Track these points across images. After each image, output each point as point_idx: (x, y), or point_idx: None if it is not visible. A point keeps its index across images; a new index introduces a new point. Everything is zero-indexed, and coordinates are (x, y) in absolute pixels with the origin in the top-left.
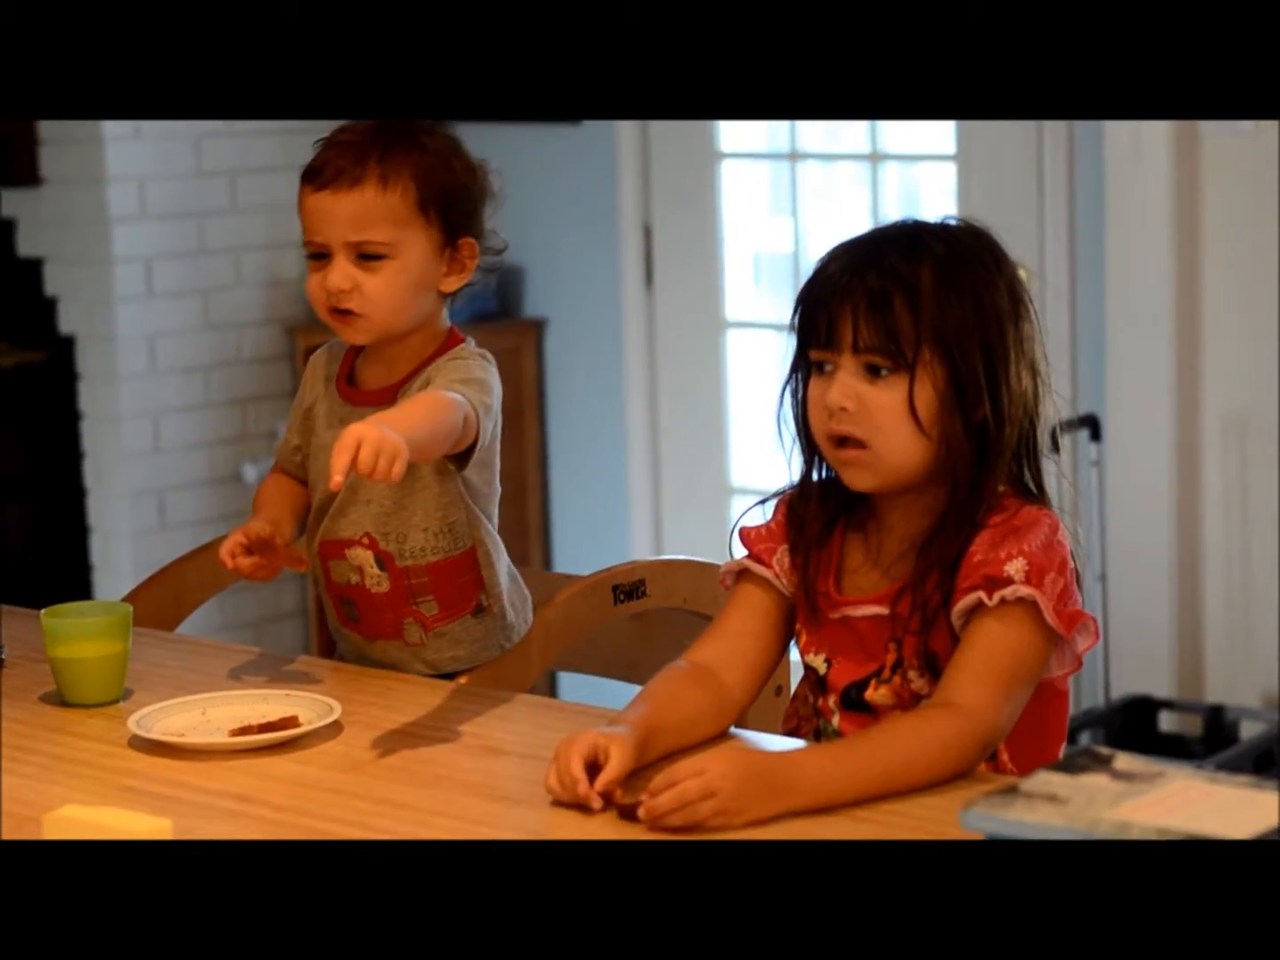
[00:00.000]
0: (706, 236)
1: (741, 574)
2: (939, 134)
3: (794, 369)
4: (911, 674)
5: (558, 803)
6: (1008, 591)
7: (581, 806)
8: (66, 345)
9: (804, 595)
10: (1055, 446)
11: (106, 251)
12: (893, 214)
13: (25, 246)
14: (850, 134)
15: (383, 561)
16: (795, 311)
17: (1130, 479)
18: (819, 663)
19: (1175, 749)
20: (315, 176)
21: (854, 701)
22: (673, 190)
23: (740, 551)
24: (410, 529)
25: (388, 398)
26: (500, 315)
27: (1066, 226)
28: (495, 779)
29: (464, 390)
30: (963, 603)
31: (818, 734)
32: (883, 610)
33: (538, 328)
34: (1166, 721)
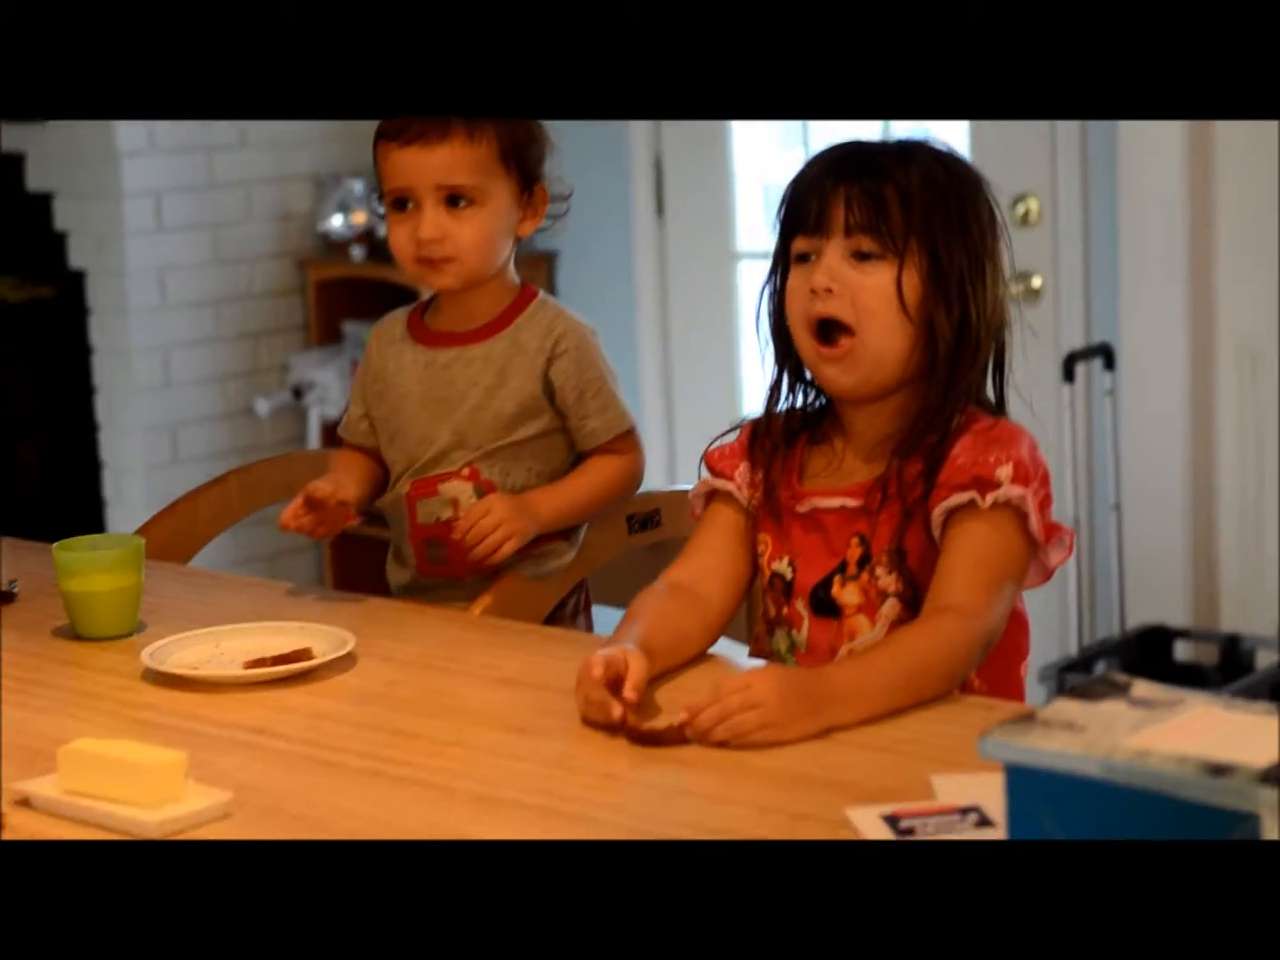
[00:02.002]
0: (717, 167)
1: (709, 496)
2: None
3: (774, 267)
4: (879, 570)
5: (589, 723)
6: (999, 493)
7: (611, 727)
8: (77, 280)
9: (765, 497)
10: (1069, 376)
11: (116, 186)
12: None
13: (35, 181)
14: None
15: (483, 490)
16: (780, 207)
17: (1144, 408)
18: (784, 567)
19: (1191, 678)
20: (399, 134)
21: (822, 602)
22: (684, 122)
23: (706, 476)
24: (517, 466)
25: (468, 340)
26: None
27: (1079, 153)
28: (510, 709)
29: (616, 414)
30: (949, 501)
31: (787, 651)
32: (852, 502)
33: (549, 259)
34: (1182, 651)
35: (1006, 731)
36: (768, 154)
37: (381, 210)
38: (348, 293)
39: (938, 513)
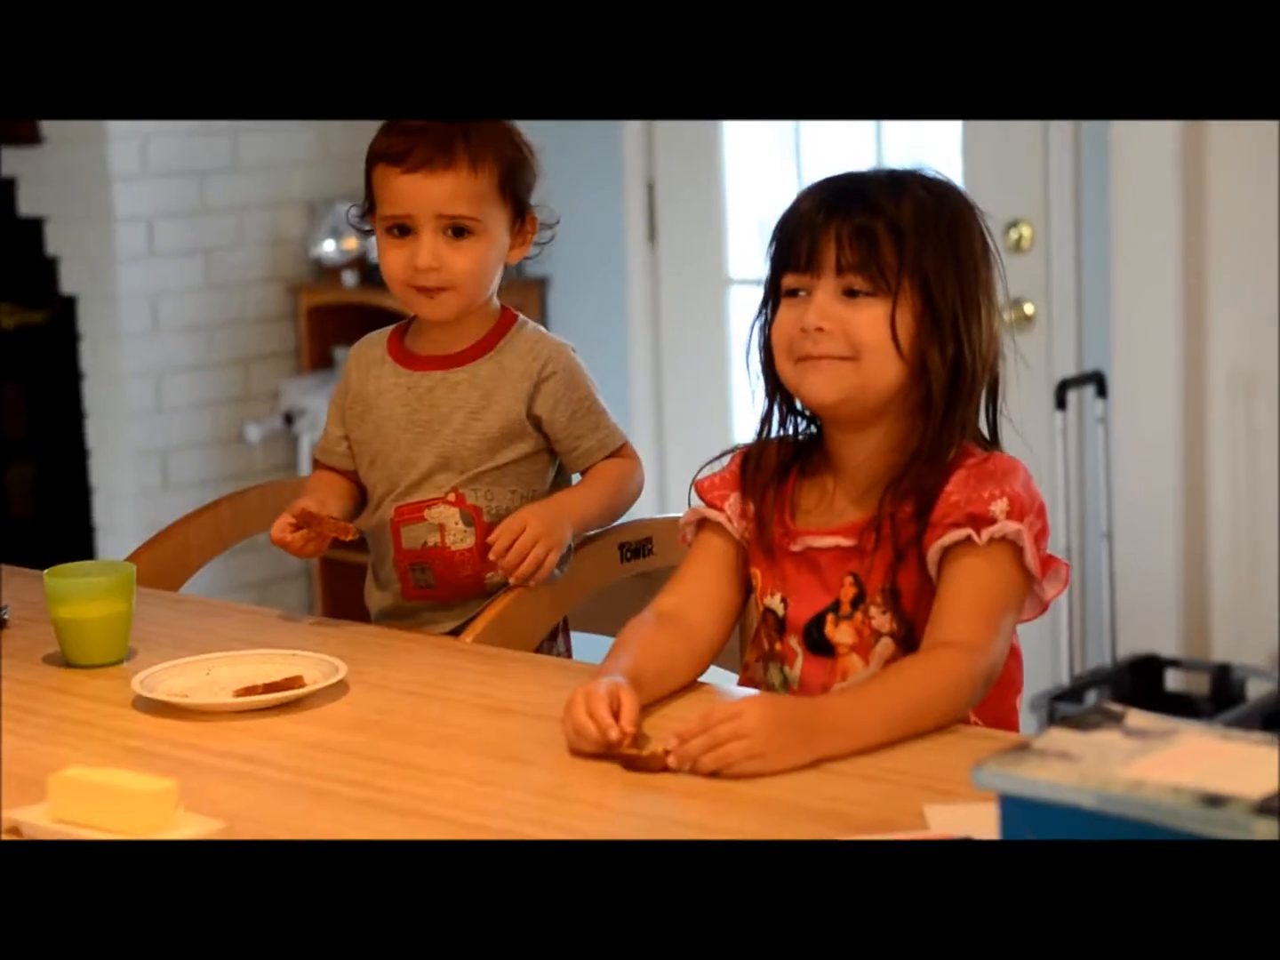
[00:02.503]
0: (710, 193)
1: (700, 524)
2: None
3: (765, 301)
4: (874, 610)
5: (577, 754)
6: (995, 529)
7: (599, 756)
8: (68, 305)
9: (758, 533)
10: (1061, 403)
11: (108, 210)
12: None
13: (26, 206)
14: None
15: (469, 516)
16: (771, 242)
17: (1136, 436)
18: (776, 603)
19: (1182, 708)
20: (402, 159)
21: (815, 641)
22: (677, 146)
23: (697, 505)
24: (500, 490)
25: (451, 364)
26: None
27: (1071, 179)
28: (502, 738)
29: (609, 431)
30: (945, 539)
31: (780, 685)
32: (845, 542)
33: (541, 285)
34: (1173, 680)
35: (1001, 761)
36: (761, 181)
37: (366, 227)
38: (340, 319)
39: (934, 550)
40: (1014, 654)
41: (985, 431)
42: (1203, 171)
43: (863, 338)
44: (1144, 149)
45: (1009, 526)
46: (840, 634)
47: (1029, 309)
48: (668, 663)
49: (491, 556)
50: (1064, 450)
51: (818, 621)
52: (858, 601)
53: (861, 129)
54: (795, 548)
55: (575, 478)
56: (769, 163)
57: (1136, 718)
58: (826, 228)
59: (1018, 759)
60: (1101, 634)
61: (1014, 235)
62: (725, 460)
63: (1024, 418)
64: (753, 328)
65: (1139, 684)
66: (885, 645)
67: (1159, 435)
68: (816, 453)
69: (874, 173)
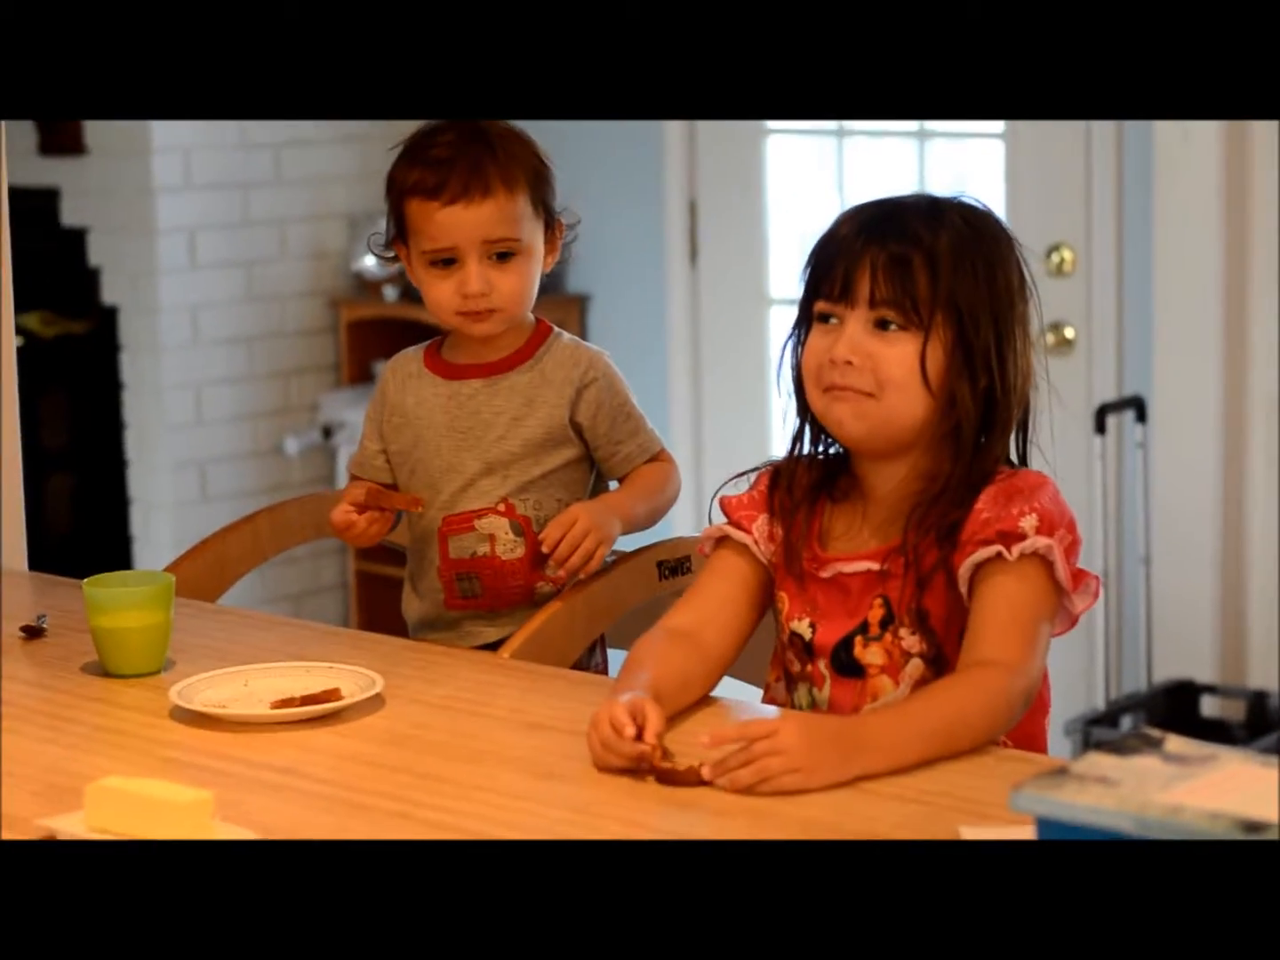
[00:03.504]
0: (752, 213)
1: (720, 541)
2: None
3: (797, 323)
4: (903, 631)
5: (604, 770)
6: (1025, 545)
7: (628, 772)
8: (109, 316)
9: (786, 558)
10: (1100, 428)
11: (150, 222)
12: (940, 191)
13: (69, 216)
14: None
15: (519, 527)
16: (807, 266)
17: (1176, 461)
18: (804, 627)
19: (1217, 734)
20: (439, 193)
21: (845, 664)
22: (719, 166)
23: (720, 519)
24: (547, 499)
25: (491, 372)
26: (544, 290)
27: (1114, 206)
28: (538, 754)
29: (648, 435)
30: (975, 556)
31: (808, 707)
32: (874, 566)
33: (581, 303)
34: (1208, 706)
35: (1039, 784)
36: (802, 200)
37: (390, 254)
38: (379, 333)
39: (964, 568)
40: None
41: (1015, 459)
42: (1246, 196)
43: (890, 374)
44: (1188, 173)
45: (1039, 542)
46: (870, 655)
47: (1069, 333)
48: (683, 680)
49: (544, 549)
50: (1103, 474)
51: (846, 644)
52: (886, 623)
53: (904, 149)
54: (825, 574)
55: (613, 485)
56: (811, 182)
57: (1175, 743)
58: (862, 256)
59: (1056, 782)
60: (1137, 658)
61: (1055, 258)
62: (751, 477)
63: (1063, 442)
64: (784, 347)
65: (1174, 709)
66: (915, 666)
67: (1198, 461)
68: (845, 475)
69: (914, 199)
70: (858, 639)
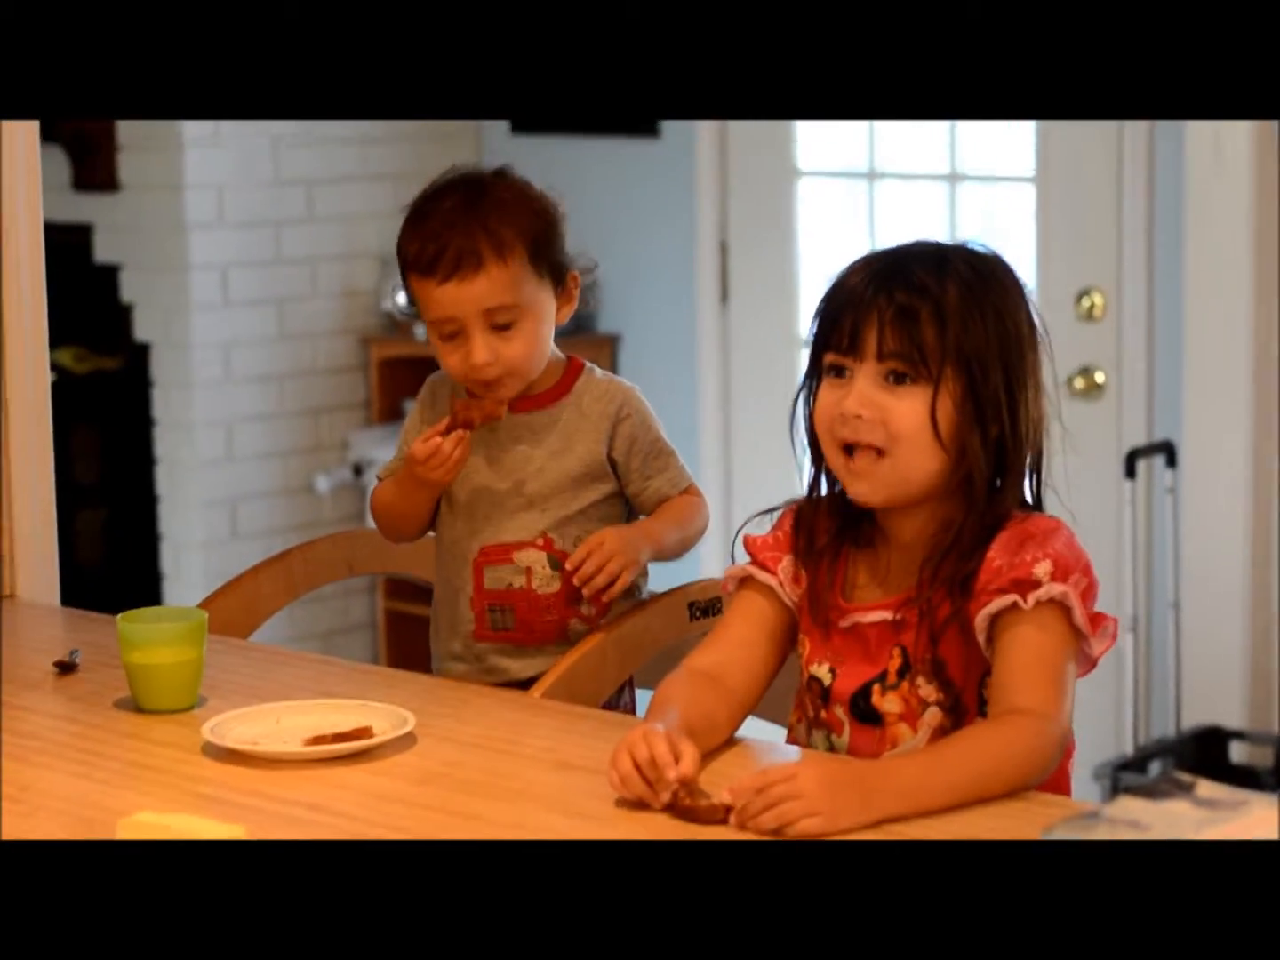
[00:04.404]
0: (783, 254)
1: (744, 581)
2: (1018, 155)
3: (808, 377)
4: (920, 680)
5: (623, 796)
6: (1041, 593)
7: (644, 806)
8: (141, 352)
9: (810, 606)
10: (1130, 472)
11: (183, 259)
12: (971, 235)
13: (102, 252)
14: (928, 153)
15: (556, 561)
16: (816, 316)
17: (1206, 506)
18: (823, 673)
19: (1246, 780)
20: (432, 270)
21: (863, 711)
22: (750, 207)
23: (744, 558)
24: (586, 534)
25: (528, 407)
26: (575, 329)
27: (1145, 250)
28: (569, 794)
29: (678, 471)
30: (991, 606)
31: (827, 751)
32: (889, 615)
33: (612, 342)
34: (1237, 753)
35: (1070, 828)
36: (833, 242)
37: (414, 313)
38: (410, 371)
39: (981, 618)
40: None
41: (1030, 501)
42: (1278, 241)
43: (900, 427)
44: (1219, 218)
45: (1055, 589)
46: (887, 704)
47: (1100, 377)
48: (711, 721)
49: (568, 566)
50: (1132, 519)
51: (864, 692)
52: (904, 671)
53: (935, 192)
54: (844, 624)
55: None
56: (841, 224)
57: (1206, 788)
58: (870, 309)
59: (1087, 826)
60: (1166, 704)
61: (1086, 303)
62: (775, 515)
63: (1093, 486)
64: (797, 398)
65: (1203, 755)
66: (933, 714)
67: (1228, 506)
68: (868, 521)
69: (921, 248)
70: (875, 687)
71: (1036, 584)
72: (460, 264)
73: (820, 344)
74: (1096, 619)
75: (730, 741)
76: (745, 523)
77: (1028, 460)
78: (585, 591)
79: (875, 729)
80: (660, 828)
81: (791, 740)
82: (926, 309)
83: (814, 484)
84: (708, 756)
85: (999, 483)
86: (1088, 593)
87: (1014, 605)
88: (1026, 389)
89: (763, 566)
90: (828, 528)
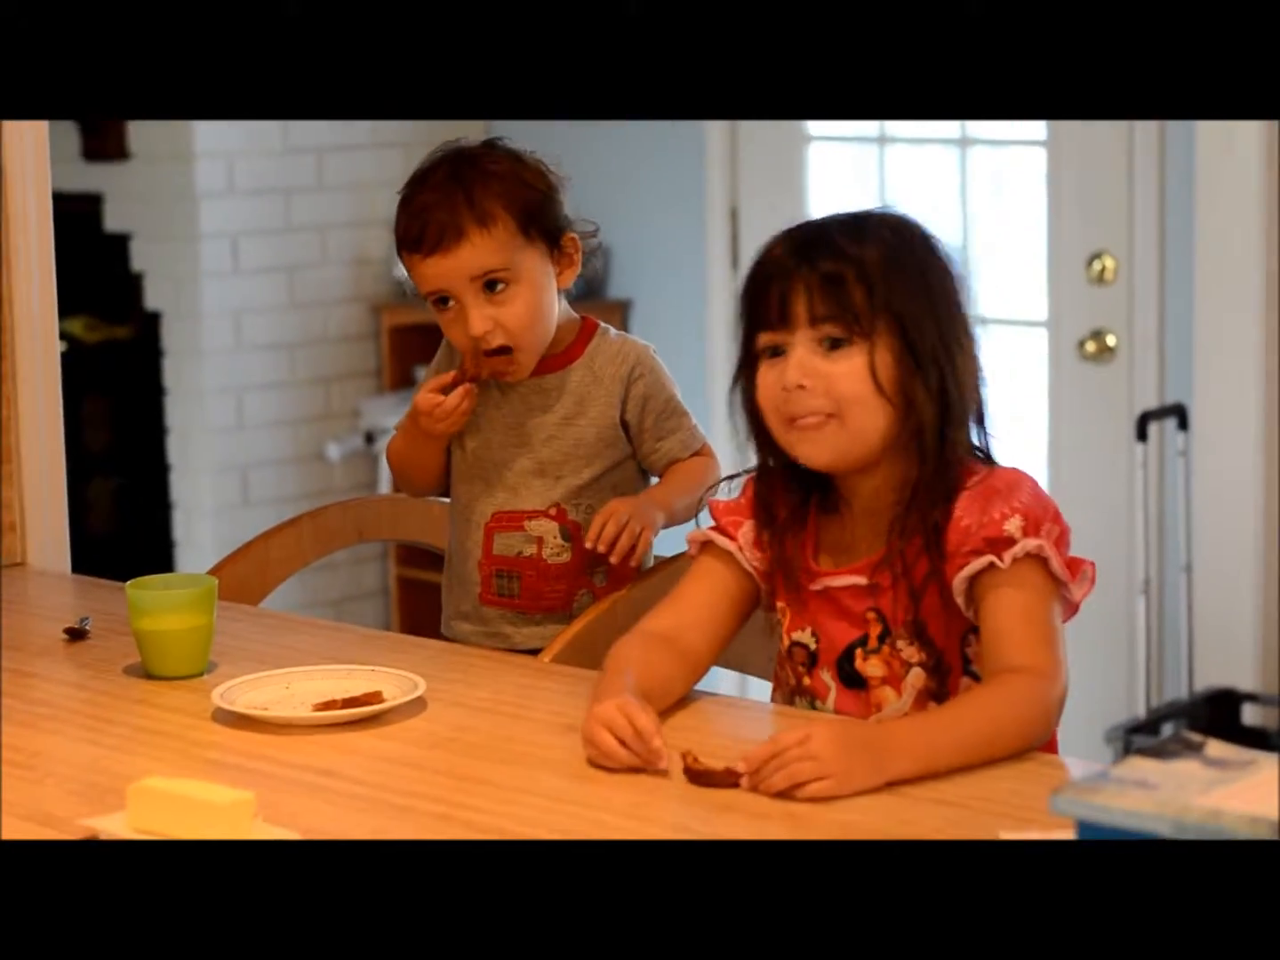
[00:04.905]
0: (793, 219)
1: (705, 545)
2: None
3: (742, 365)
4: (900, 643)
5: (597, 766)
6: (1017, 549)
7: (638, 770)
8: (152, 320)
9: (784, 574)
10: (1142, 435)
11: (193, 227)
12: (982, 199)
13: (112, 221)
14: None
15: (569, 532)
16: (742, 297)
17: (1217, 469)
18: (806, 637)
19: (1258, 742)
20: (418, 246)
21: (848, 675)
22: (760, 173)
23: (709, 525)
24: (599, 504)
25: (543, 370)
26: (585, 296)
27: (1156, 213)
28: (579, 757)
29: (690, 432)
30: (968, 569)
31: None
32: (861, 580)
33: (623, 309)
34: (1250, 715)
35: (1079, 788)
36: (844, 206)
37: (413, 288)
38: (421, 338)
39: (958, 581)
40: None
41: (982, 448)
42: None
43: (844, 390)
44: (1230, 180)
45: (1029, 543)
46: (870, 667)
47: (1111, 340)
48: (665, 684)
49: (588, 542)
50: (1144, 482)
51: (848, 654)
52: (884, 636)
53: (945, 156)
54: (815, 587)
55: (653, 481)
56: (852, 189)
57: (1216, 748)
58: (795, 280)
59: (1095, 786)
60: (1179, 667)
61: (1097, 266)
62: (740, 481)
63: (1105, 449)
64: (732, 391)
65: (1215, 717)
66: (916, 675)
67: (1240, 469)
68: (831, 487)
69: (837, 218)
70: (858, 651)
71: (1010, 541)
72: (443, 236)
73: (751, 325)
74: (1074, 564)
75: (740, 705)
76: (712, 487)
77: (971, 410)
78: (613, 557)
79: (860, 693)
80: (671, 790)
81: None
82: (851, 271)
83: (762, 464)
84: (718, 718)
85: (946, 433)
86: (1061, 540)
87: (991, 566)
88: (959, 337)
89: (723, 531)
90: (788, 500)
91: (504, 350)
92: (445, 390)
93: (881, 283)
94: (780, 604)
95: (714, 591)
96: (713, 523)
